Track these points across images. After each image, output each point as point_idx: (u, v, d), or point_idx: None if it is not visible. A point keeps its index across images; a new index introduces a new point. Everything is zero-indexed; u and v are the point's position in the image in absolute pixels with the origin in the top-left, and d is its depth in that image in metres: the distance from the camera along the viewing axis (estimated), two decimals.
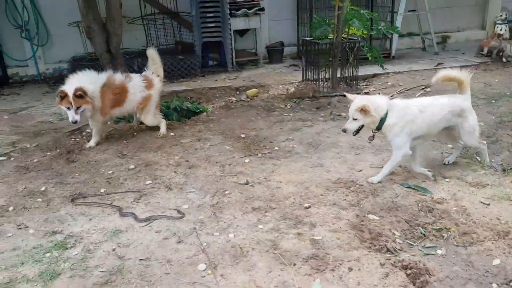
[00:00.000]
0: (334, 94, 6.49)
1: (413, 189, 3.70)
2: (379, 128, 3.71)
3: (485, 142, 4.12)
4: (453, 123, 3.89)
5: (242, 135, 5.06)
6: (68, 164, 4.56)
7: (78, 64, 7.69)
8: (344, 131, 3.74)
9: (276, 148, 4.70)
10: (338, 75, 6.71)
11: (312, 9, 8.44)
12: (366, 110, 3.58)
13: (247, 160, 4.39)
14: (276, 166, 4.22)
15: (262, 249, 2.98)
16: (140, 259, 2.95)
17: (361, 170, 4.07)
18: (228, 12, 7.96)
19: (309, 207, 3.48)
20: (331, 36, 6.58)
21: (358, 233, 3.14)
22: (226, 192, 3.80)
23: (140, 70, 7.71)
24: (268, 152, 4.56)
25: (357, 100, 3.68)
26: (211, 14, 7.96)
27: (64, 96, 4.61)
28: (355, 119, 3.66)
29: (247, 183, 3.91)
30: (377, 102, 3.67)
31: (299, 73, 7.52)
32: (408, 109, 3.72)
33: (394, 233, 3.15)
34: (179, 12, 8.36)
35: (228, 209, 3.51)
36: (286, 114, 5.79)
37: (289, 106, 6.17)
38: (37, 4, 8.12)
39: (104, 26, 6.10)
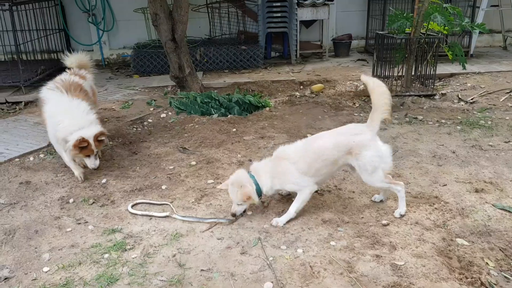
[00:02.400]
0: (407, 94, 6.00)
1: (508, 211, 3.23)
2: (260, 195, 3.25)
3: (402, 183, 3.28)
4: (347, 161, 3.20)
5: (309, 135, 4.73)
6: (130, 156, 4.44)
7: (141, 50, 7.65)
8: (234, 215, 3.23)
9: None
10: (413, 73, 6.20)
11: (385, 0, 7.89)
12: (250, 198, 3.14)
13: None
14: (347, 173, 3.87)
15: (336, 271, 2.67)
16: (202, 270, 2.73)
17: (445, 185, 3.64)
18: (296, 1, 7.60)
19: (388, 224, 3.11)
20: (407, 30, 6.08)
21: (446, 260, 2.76)
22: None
23: (202, 58, 7.58)
24: None
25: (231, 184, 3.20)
26: (278, 4, 7.63)
27: (86, 146, 3.70)
28: (238, 204, 3.21)
29: (315, 191, 3.59)
30: (240, 179, 3.18)
31: (368, 68, 7.06)
32: (278, 167, 3.22)
33: (487, 263, 2.73)
34: (244, 1, 8.09)
35: (295, 219, 3.22)
36: (356, 114, 5.39)
37: (357, 105, 5.76)
38: None
39: (170, 13, 5.95)
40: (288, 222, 3.18)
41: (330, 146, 3.18)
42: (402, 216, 3.22)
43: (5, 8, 6.39)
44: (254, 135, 4.82)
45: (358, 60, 8.12)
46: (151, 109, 5.80)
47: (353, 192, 3.58)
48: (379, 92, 3.18)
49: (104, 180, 3.90)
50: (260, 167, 3.30)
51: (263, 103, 5.95)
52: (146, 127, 5.25)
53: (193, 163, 4.20)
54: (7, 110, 6.12)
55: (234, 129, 4.97)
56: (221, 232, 3.12)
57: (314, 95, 6.20)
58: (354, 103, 5.81)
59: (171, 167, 4.14)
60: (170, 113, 5.66)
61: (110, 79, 7.53)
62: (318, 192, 3.57)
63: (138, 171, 4.10)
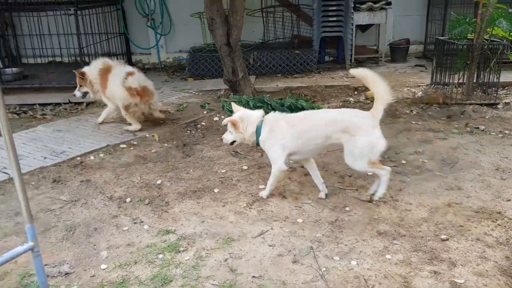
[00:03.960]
0: (468, 102, 5.73)
1: None
2: (257, 143, 3.58)
3: (388, 168, 3.45)
4: (337, 140, 3.40)
5: None
6: (184, 158, 4.53)
7: (196, 54, 7.80)
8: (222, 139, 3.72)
9: (403, 161, 4.20)
10: (474, 80, 5.92)
11: (446, 4, 7.60)
12: (235, 125, 3.53)
13: (369, 173, 3.96)
14: (404, 184, 3.74)
15: (391, 286, 2.58)
16: (253, 276, 2.73)
17: (509, 200, 3.44)
18: (352, 5, 7.47)
19: (447, 239, 2.98)
20: (469, 36, 5.82)
21: (509, 281, 2.59)
22: (347, 208, 3.43)
23: (255, 62, 7.63)
24: (394, 166, 4.08)
25: (235, 114, 3.61)
26: (334, 8, 7.54)
27: None
28: (230, 132, 3.61)
29: (370, 201, 3.50)
30: (249, 118, 3.56)
31: (426, 75, 6.83)
32: (276, 123, 3.51)
33: None
34: (299, 5, 8.06)
35: (349, 229, 3.15)
36: (413, 122, 5.21)
37: (415, 112, 5.57)
38: None
39: (226, 18, 6.03)
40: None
41: (330, 119, 3.45)
42: (380, 199, 3.44)
43: (70, 12, 6.72)
44: None
45: (416, 65, 7.87)
46: (205, 112, 5.90)
47: (410, 204, 3.46)
48: (377, 81, 3.34)
49: (159, 181, 4.00)
50: (269, 119, 3.57)
51: (316, 108, 5.89)
52: (199, 130, 5.34)
53: (245, 167, 4.22)
54: (70, 110, 6.42)
55: None
56: (273, 239, 3.10)
57: (369, 101, 6.06)
58: (411, 111, 5.62)
59: (223, 170, 4.18)
60: (222, 117, 5.71)
61: (166, 82, 7.73)
62: (373, 202, 3.48)
63: (191, 173, 4.17)
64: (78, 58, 7.12)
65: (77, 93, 5.54)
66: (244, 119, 3.55)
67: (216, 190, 3.81)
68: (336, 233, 3.12)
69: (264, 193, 3.66)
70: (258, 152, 4.54)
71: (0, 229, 3.33)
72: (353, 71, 3.45)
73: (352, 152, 3.33)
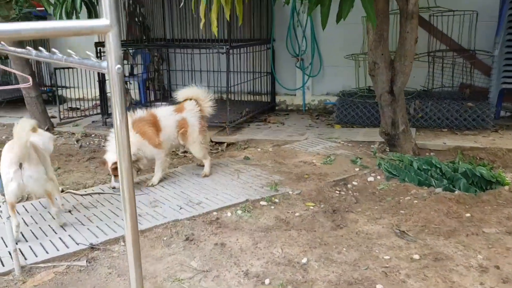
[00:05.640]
0: None
1: None
2: None
3: None
4: None
5: None
6: (334, 229, 3.72)
7: (346, 99, 7.06)
8: None
9: None
10: None
11: None
12: None
13: None
14: None
15: None
16: None
17: None
18: None
19: None
20: None
21: None
22: None
23: (416, 113, 6.61)
24: None
25: None
26: None
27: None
28: None
29: None
30: None
31: None
32: None
33: None
34: (475, 51, 6.86)
35: None
36: None
37: None
38: (317, 35, 7.87)
39: (391, 63, 5.20)
40: None
41: None
42: None
43: (222, 51, 6.53)
44: (497, 226, 3.63)
45: None
46: (356, 169, 5.06)
47: None
48: None
49: (304, 260, 3.25)
50: None
51: (498, 179, 4.66)
52: (351, 192, 4.51)
53: (416, 256, 3.25)
54: (211, 149, 6.12)
55: (468, 214, 3.85)
56: None
57: None
58: None
59: (387, 256, 3.27)
60: (378, 177, 4.83)
61: (310, 127, 7.10)
62: None
63: (344, 253, 3.34)
64: (223, 96, 6.90)
65: None
66: None
67: (378, 287, 2.91)
68: None
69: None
70: (431, 235, 3.54)
71: None
72: None
73: None
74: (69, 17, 4.53)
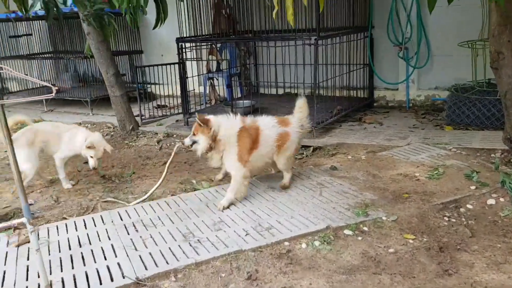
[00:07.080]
0: None
1: None
2: None
3: None
4: None
5: None
6: (440, 276, 2.82)
7: (460, 95, 5.87)
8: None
9: None
10: None
11: None
12: None
13: None
14: None
15: None
16: None
17: None
18: None
19: None
20: None
21: None
22: None
23: None
24: None
25: None
26: None
27: None
28: None
29: None
30: None
31: None
32: None
33: None
34: None
35: None
36: None
37: None
38: (424, 19, 6.70)
39: None
40: None
41: None
42: None
43: (311, 42, 5.75)
44: None
45: None
46: (472, 187, 4.01)
47: None
48: None
49: None
50: None
51: None
52: (464, 220, 3.52)
53: None
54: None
55: None
56: None
57: None
58: None
59: None
60: (502, 200, 3.76)
61: (414, 128, 6.04)
62: None
63: None
64: (311, 92, 6.15)
65: None
66: None
67: None
68: None
69: None
70: None
71: None
72: None
73: None
74: (135, 12, 4.12)
